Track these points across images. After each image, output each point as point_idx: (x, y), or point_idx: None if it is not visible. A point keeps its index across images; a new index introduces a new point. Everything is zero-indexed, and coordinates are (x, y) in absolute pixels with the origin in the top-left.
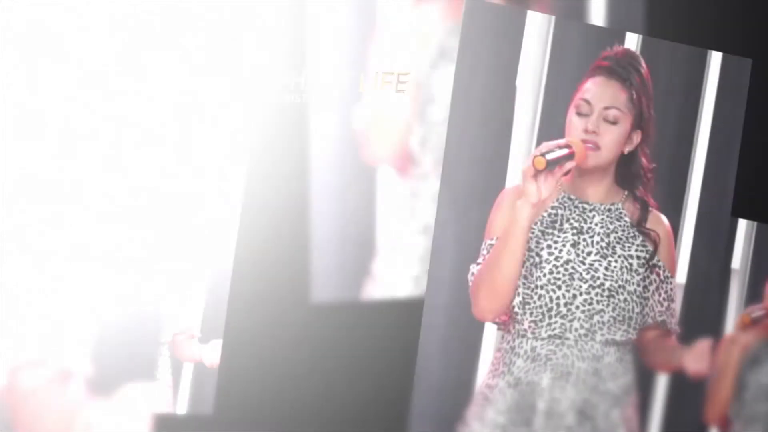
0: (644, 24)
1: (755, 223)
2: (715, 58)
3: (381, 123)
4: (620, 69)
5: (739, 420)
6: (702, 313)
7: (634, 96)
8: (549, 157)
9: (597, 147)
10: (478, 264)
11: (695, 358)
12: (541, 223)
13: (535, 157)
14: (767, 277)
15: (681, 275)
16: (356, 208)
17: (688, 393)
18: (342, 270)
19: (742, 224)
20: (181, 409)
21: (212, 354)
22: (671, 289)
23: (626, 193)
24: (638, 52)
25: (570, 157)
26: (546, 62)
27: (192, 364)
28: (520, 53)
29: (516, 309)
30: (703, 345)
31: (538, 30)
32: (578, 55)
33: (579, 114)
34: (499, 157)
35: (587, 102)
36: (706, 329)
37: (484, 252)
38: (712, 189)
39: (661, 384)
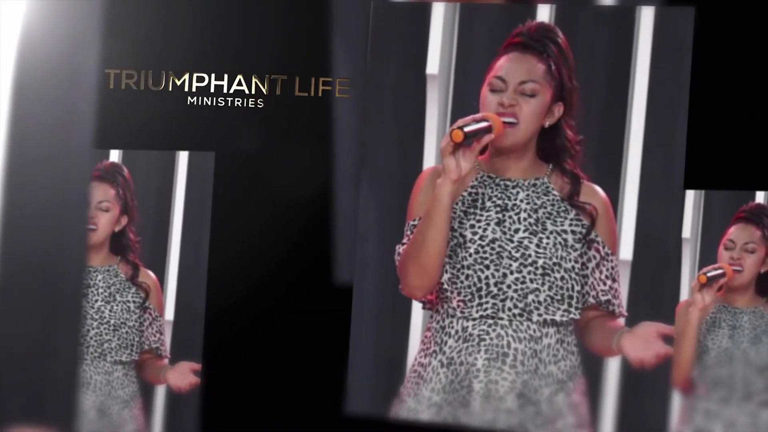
0: None
1: (702, 192)
2: (647, 13)
3: None
4: (535, 43)
5: (702, 384)
6: (653, 294)
7: (553, 67)
8: (466, 129)
9: (515, 119)
10: (403, 244)
11: (636, 344)
12: (463, 203)
13: (453, 130)
14: (719, 242)
15: (627, 252)
16: None
17: (645, 378)
18: None
19: (690, 194)
20: None
21: (179, 377)
22: (613, 268)
23: (550, 166)
24: (554, 24)
25: (488, 130)
26: (454, 49)
27: (164, 387)
28: (428, 44)
29: (445, 286)
30: (646, 328)
31: (443, 19)
32: (489, 37)
33: (493, 91)
34: (415, 143)
35: (501, 79)
36: (659, 313)
37: (408, 232)
38: (656, 158)
39: (613, 368)
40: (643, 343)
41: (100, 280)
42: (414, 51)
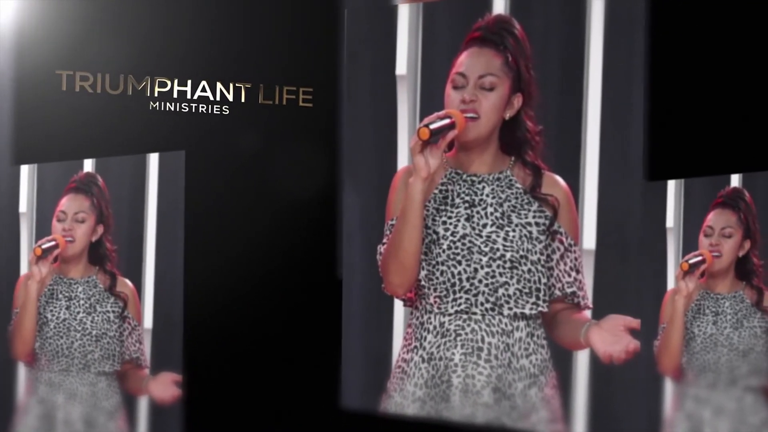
0: None
1: (682, 181)
2: None
3: None
4: (492, 35)
5: (691, 370)
6: (617, 283)
7: (510, 59)
8: (432, 126)
9: (476, 114)
10: (383, 244)
11: (604, 338)
12: (434, 201)
13: (420, 128)
14: (700, 229)
15: (590, 241)
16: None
17: (614, 372)
18: None
19: (671, 184)
20: None
21: (161, 389)
22: (576, 259)
23: (513, 159)
24: (510, 15)
25: (451, 126)
26: (419, 47)
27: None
28: (396, 45)
29: (422, 282)
30: (613, 322)
31: (408, 20)
32: (451, 33)
33: (455, 88)
34: (389, 144)
35: (462, 75)
36: (622, 302)
37: (387, 232)
38: (614, 144)
39: (582, 361)
40: (611, 336)
41: (80, 292)
42: (384, 54)
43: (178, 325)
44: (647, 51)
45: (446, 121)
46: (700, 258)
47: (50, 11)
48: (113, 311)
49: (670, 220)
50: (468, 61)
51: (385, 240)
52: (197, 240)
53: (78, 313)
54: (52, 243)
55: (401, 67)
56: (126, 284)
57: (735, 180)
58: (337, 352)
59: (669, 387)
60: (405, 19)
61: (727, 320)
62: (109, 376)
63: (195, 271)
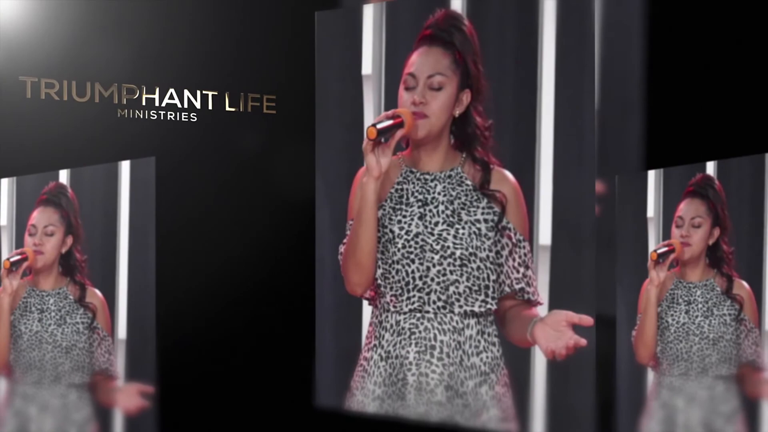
0: None
1: (662, 170)
2: None
3: None
4: (442, 33)
5: (665, 359)
6: (572, 280)
7: (457, 56)
8: (379, 126)
9: (425, 116)
10: (344, 243)
11: (547, 334)
12: (391, 200)
13: (368, 128)
14: (672, 220)
15: (545, 236)
16: None
17: (571, 368)
18: None
19: (651, 174)
20: None
21: (127, 399)
22: (525, 254)
23: (464, 155)
24: (464, 10)
25: (399, 125)
26: (383, 46)
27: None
28: (362, 46)
29: (379, 281)
30: (555, 317)
31: (372, 20)
32: (411, 32)
33: (407, 89)
34: (357, 144)
35: (413, 75)
36: (578, 296)
37: (348, 232)
38: (568, 138)
39: (540, 357)
40: (553, 332)
41: (51, 304)
42: (352, 55)
43: (151, 328)
44: (642, 47)
45: (391, 121)
46: (667, 248)
47: (12, 14)
48: (82, 322)
49: (651, 210)
50: (418, 61)
51: (345, 239)
52: (169, 244)
53: (49, 325)
54: (20, 257)
55: (366, 66)
56: (95, 294)
57: (709, 167)
58: (311, 353)
59: (650, 377)
60: (369, 20)
61: (698, 309)
62: (79, 388)
63: (167, 274)
